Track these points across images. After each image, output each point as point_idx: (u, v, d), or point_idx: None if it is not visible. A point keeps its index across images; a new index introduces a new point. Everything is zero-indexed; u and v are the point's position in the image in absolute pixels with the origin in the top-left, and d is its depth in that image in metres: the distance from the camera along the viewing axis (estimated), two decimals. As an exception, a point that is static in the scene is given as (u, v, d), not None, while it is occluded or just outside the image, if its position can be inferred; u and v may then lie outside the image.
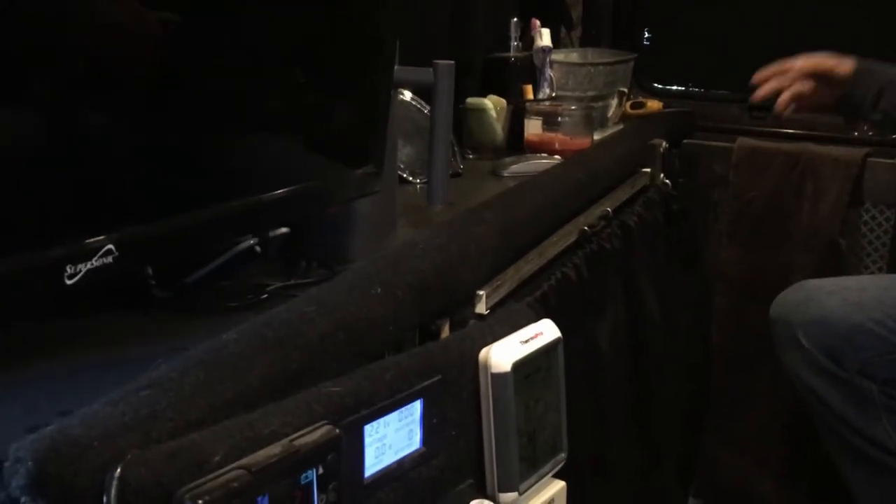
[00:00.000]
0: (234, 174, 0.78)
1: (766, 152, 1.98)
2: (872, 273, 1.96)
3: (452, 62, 1.02)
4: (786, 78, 1.58)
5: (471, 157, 1.67)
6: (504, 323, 0.84)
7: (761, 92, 1.63)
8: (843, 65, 1.55)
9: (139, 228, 0.68)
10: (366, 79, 0.88)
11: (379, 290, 0.84)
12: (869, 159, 1.95)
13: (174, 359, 0.67)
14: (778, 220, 1.94)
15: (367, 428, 0.68)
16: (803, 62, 1.57)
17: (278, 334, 0.72)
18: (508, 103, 1.69)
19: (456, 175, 1.52)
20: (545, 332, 0.84)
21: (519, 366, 0.79)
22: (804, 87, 1.56)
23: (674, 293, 1.74)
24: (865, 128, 2.12)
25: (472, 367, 0.79)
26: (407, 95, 1.43)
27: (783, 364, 1.46)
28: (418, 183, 1.44)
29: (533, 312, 0.89)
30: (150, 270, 0.81)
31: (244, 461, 0.56)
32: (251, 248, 0.95)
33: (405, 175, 1.44)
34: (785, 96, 1.58)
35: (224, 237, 0.81)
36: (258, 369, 0.67)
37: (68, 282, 0.62)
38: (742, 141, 2.02)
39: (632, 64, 2.03)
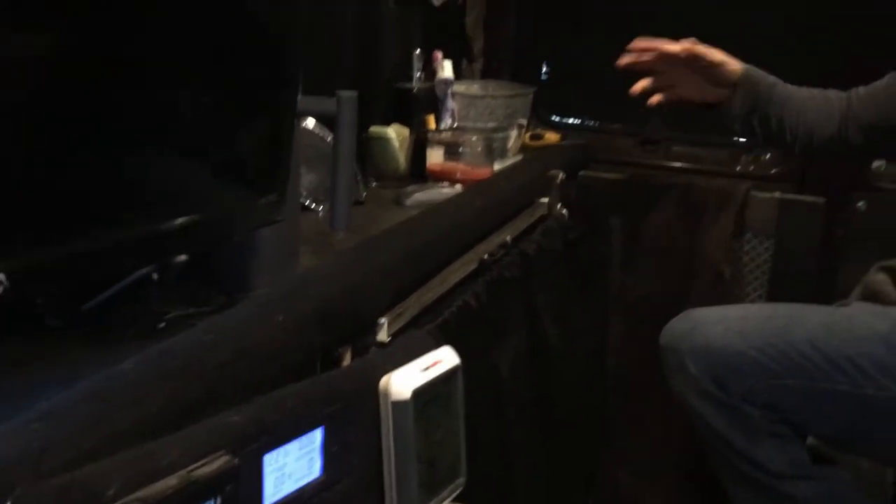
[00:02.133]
0: (134, 202, 0.77)
1: (656, 184, 2.07)
2: (754, 300, 2.06)
3: (355, 93, 1.04)
4: (663, 63, 1.57)
5: (374, 185, 1.68)
6: (405, 350, 0.86)
7: (637, 87, 1.63)
8: (732, 63, 1.56)
9: (31, 257, 0.66)
10: (269, 108, 0.88)
11: (280, 317, 0.84)
12: (750, 193, 2.06)
13: (69, 389, 0.66)
14: (668, 249, 2.03)
15: (267, 457, 0.68)
16: (691, 44, 1.56)
17: (177, 363, 0.72)
18: (411, 133, 1.72)
19: (359, 203, 1.53)
20: (445, 359, 0.86)
21: (419, 393, 0.80)
22: (680, 75, 1.56)
23: (572, 319, 1.80)
24: (747, 163, 2.25)
25: (373, 394, 0.80)
26: (310, 123, 1.44)
27: (672, 389, 1.52)
28: (321, 210, 1.44)
29: (433, 340, 0.91)
30: (39, 300, 0.79)
31: (140, 493, 0.56)
32: (149, 275, 0.93)
33: (308, 203, 1.45)
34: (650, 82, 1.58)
35: (122, 266, 0.80)
36: (156, 399, 0.66)
37: (-45, 311, 0.60)
38: (634, 173, 2.11)
39: (531, 97, 2.09)
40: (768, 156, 2.27)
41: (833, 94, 1.63)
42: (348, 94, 1.04)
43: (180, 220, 0.79)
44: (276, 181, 0.87)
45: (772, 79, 1.61)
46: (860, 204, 2.13)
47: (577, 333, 1.83)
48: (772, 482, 1.42)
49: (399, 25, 1.86)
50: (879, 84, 1.59)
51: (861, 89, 1.61)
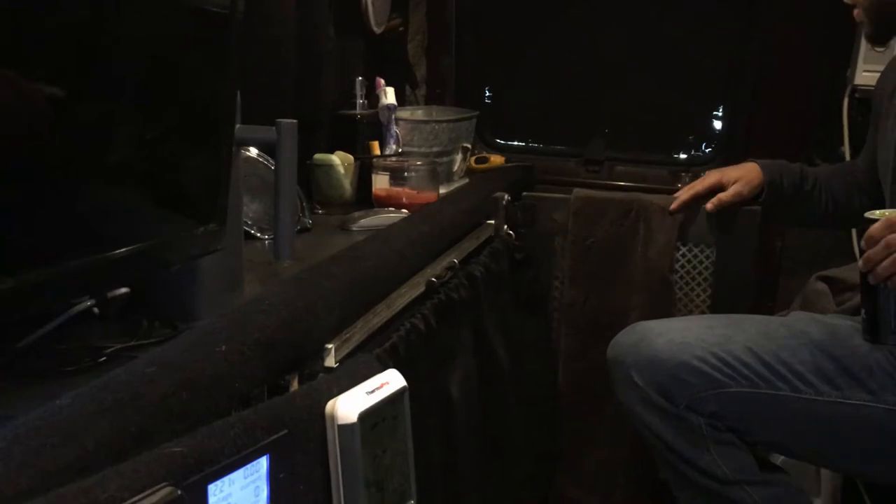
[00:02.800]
0: (69, 232, 0.76)
1: (601, 201, 2.11)
2: (700, 307, 2.11)
3: (295, 121, 1.04)
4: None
5: (320, 212, 1.68)
6: (351, 375, 0.86)
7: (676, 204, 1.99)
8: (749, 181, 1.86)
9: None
10: (207, 137, 0.88)
11: (223, 346, 0.84)
12: (690, 205, 2.12)
13: (3, 426, 0.64)
14: (614, 263, 2.06)
15: (212, 487, 0.68)
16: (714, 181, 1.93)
17: (116, 396, 0.71)
18: (356, 159, 1.73)
19: (304, 230, 1.53)
20: (391, 381, 0.86)
21: (365, 416, 0.80)
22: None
23: (521, 338, 1.81)
24: (686, 178, 2.30)
25: (319, 419, 0.80)
26: (253, 152, 1.44)
27: (620, 401, 1.54)
28: (266, 239, 1.44)
29: (379, 364, 0.91)
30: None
31: (79, 529, 0.55)
32: (88, 309, 0.92)
33: (252, 231, 1.44)
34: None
35: (58, 299, 0.79)
36: (94, 433, 0.65)
37: None
38: (578, 192, 2.15)
39: (474, 121, 2.11)
40: (706, 173, 2.33)
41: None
42: (288, 122, 1.04)
43: (118, 252, 0.78)
44: (215, 210, 0.87)
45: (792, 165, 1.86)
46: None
47: (526, 352, 1.85)
48: (720, 489, 1.45)
49: (340, 53, 1.87)
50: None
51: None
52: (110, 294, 0.89)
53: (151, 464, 0.64)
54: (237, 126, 1.00)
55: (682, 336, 1.48)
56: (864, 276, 1.32)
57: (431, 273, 1.44)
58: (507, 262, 1.79)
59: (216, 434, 0.70)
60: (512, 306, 1.80)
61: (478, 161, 2.18)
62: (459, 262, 1.55)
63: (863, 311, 1.37)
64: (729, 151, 2.30)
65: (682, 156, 2.36)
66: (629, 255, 2.06)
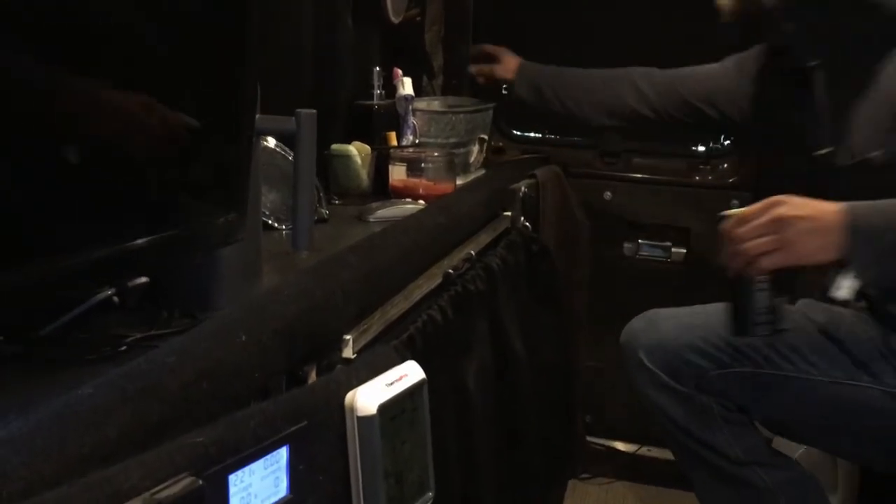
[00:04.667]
0: (89, 222, 0.76)
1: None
2: None
3: (314, 111, 1.04)
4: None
5: (337, 202, 1.68)
6: (370, 366, 0.86)
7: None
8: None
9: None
10: (226, 127, 0.88)
11: (243, 337, 0.84)
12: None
13: (26, 415, 0.65)
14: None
15: (232, 477, 0.68)
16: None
17: (137, 385, 0.71)
18: (373, 150, 1.73)
19: (322, 221, 1.53)
20: (410, 374, 0.86)
21: (384, 408, 0.80)
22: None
23: (537, 330, 1.80)
24: (705, 173, 2.29)
25: (339, 411, 0.80)
26: (271, 142, 1.44)
27: (633, 384, 1.57)
28: (284, 229, 1.44)
29: (398, 355, 0.91)
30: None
31: (102, 518, 0.55)
32: (108, 298, 0.92)
33: (270, 221, 1.44)
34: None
35: (79, 289, 0.79)
36: (116, 422, 0.66)
37: None
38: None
39: (491, 112, 2.11)
40: (725, 165, 2.32)
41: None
42: (307, 112, 1.04)
43: (139, 242, 0.78)
44: (235, 200, 0.87)
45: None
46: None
47: (542, 344, 1.84)
48: (732, 468, 1.49)
49: (358, 43, 1.86)
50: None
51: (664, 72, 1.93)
52: (130, 283, 0.89)
53: (173, 454, 0.64)
54: (257, 116, 1.00)
55: (689, 319, 1.53)
56: (723, 272, 1.35)
57: (448, 264, 1.44)
58: (523, 254, 1.79)
59: (237, 425, 0.70)
60: (528, 298, 1.79)
61: (495, 152, 2.17)
62: (476, 253, 1.55)
63: (727, 306, 1.40)
64: (747, 143, 2.28)
65: (700, 148, 2.35)
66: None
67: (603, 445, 2.38)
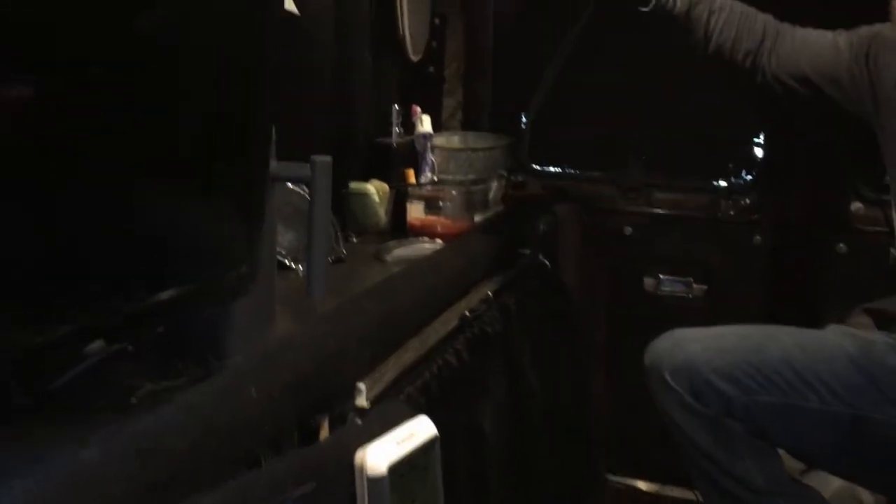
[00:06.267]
0: (102, 279, 0.76)
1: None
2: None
3: (329, 159, 1.03)
4: None
5: (354, 240, 1.68)
6: (381, 421, 0.85)
7: None
8: None
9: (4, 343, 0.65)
10: (240, 176, 0.88)
11: (254, 392, 0.83)
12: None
13: (31, 475, 0.64)
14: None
15: (238, 541, 0.67)
16: None
17: (144, 445, 0.70)
18: (391, 187, 1.72)
19: (338, 261, 1.53)
20: (422, 429, 0.85)
21: (395, 467, 0.79)
22: None
23: (554, 367, 1.79)
24: (727, 208, 2.27)
25: (348, 469, 0.78)
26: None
27: (658, 406, 1.55)
28: (300, 269, 1.44)
29: (410, 408, 0.90)
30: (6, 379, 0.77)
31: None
32: (123, 348, 0.92)
33: (286, 261, 1.44)
34: None
35: (88, 344, 0.79)
36: (122, 486, 0.65)
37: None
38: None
39: (510, 148, 2.10)
40: (747, 201, 2.29)
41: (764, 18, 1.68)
42: (322, 161, 1.03)
43: (154, 297, 0.78)
44: (247, 253, 0.87)
45: None
46: (840, 246, 2.15)
47: (559, 381, 1.82)
48: (750, 497, 1.46)
49: (377, 80, 1.87)
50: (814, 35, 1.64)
51: (796, 30, 1.66)
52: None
53: (178, 519, 0.63)
54: (272, 163, 1.00)
55: (716, 343, 1.50)
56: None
57: (465, 306, 1.43)
58: (541, 292, 1.77)
59: (244, 487, 0.70)
60: (545, 336, 1.78)
61: (514, 187, 2.16)
62: (493, 293, 1.54)
63: None
64: (770, 179, 2.26)
65: (722, 183, 2.32)
66: None
67: (623, 484, 2.34)
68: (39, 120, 0.67)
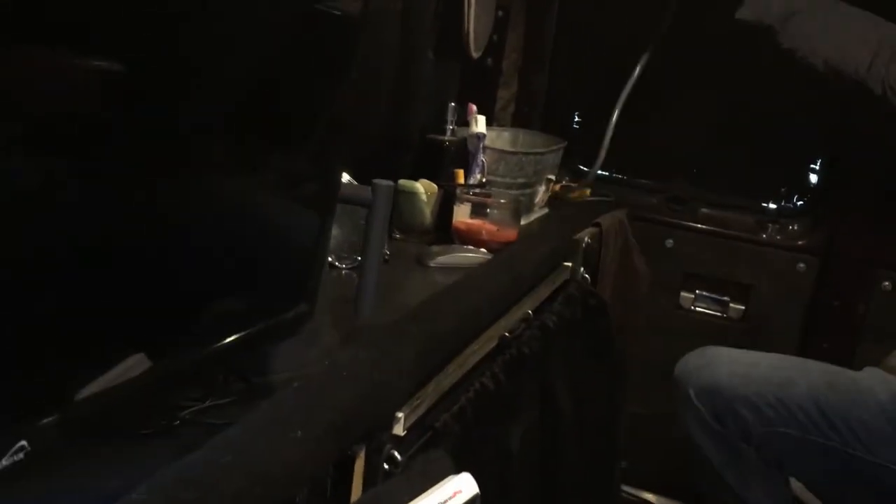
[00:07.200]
0: (171, 329, 0.75)
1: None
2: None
3: (391, 184, 1.02)
4: None
5: (397, 237, 1.66)
6: (421, 476, 0.84)
7: None
8: None
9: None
10: (306, 215, 0.86)
11: (299, 433, 0.83)
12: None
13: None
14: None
15: None
16: None
17: (192, 495, 0.70)
18: (439, 187, 1.70)
19: (383, 262, 1.51)
20: (464, 489, 0.84)
21: (435, 531, 0.79)
22: None
23: (588, 386, 1.77)
24: (774, 231, 2.22)
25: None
26: (344, 177, 1.42)
27: (679, 419, 1.56)
28: (345, 269, 1.42)
29: (451, 462, 0.89)
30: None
31: None
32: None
33: (332, 260, 1.43)
34: None
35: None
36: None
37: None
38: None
39: (562, 152, 2.06)
40: (795, 226, 2.25)
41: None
42: (384, 185, 1.02)
43: (221, 343, 0.77)
44: (308, 292, 0.86)
45: None
46: (885, 284, 2.11)
47: (591, 399, 1.81)
48: None
49: (436, 77, 1.84)
50: None
51: None
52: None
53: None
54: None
55: (745, 369, 1.50)
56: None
57: (505, 326, 1.42)
58: (580, 309, 1.75)
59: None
60: (581, 353, 1.76)
61: (562, 189, 2.13)
62: (533, 311, 1.52)
63: None
64: (822, 207, 2.21)
65: (772, 206, 2.28)
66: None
67: (634, 496, 2.34)
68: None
